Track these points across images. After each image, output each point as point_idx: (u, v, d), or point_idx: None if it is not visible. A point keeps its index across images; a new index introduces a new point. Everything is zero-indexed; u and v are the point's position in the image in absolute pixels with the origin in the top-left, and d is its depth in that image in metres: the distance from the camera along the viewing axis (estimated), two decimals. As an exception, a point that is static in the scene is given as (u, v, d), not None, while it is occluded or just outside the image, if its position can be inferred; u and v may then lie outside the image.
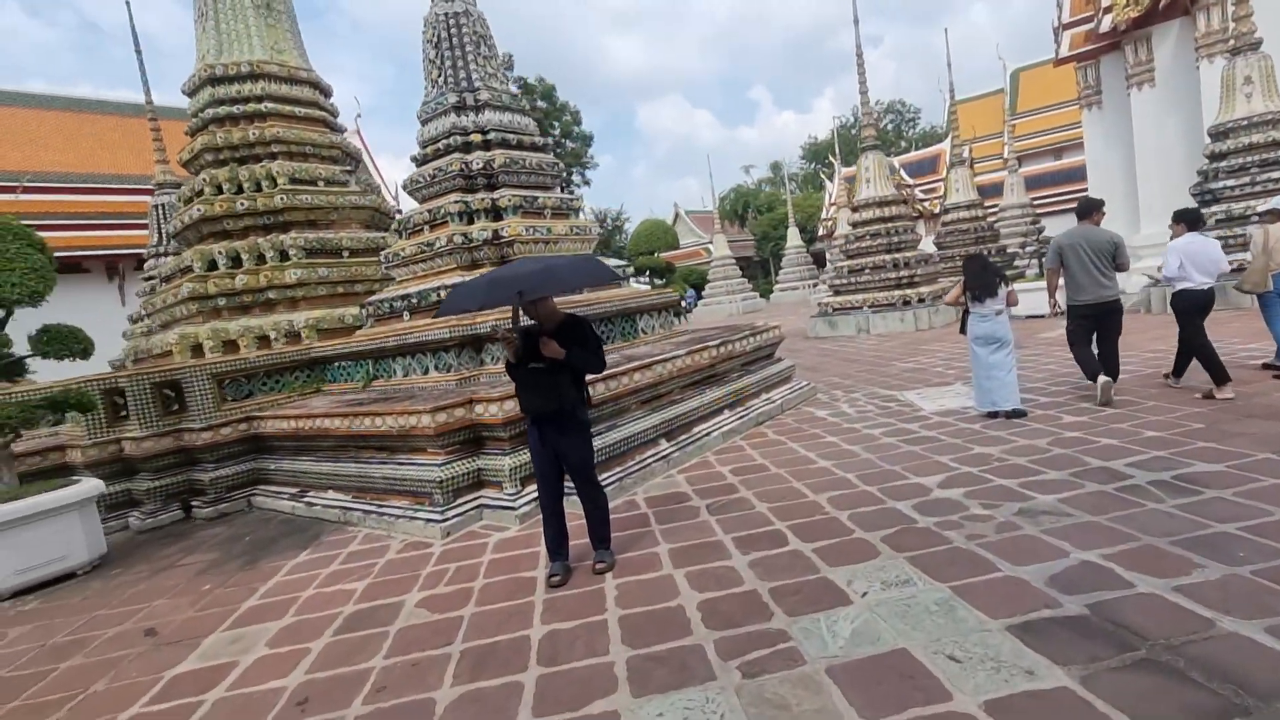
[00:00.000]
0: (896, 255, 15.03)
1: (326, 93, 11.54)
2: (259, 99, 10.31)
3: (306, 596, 4.13)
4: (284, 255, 9.78)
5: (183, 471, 6.84)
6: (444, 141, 7.45)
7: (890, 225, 15.30)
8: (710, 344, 6.93)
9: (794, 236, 38.92)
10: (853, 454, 5.50)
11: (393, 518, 5.25)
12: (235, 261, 9.76)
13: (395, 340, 6.75)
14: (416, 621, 3.54)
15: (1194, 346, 5.84)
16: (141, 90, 14.06)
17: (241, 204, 9.80)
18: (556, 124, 33.43)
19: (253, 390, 7.36)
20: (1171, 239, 6.11)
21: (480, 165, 7.24)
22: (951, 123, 21.83)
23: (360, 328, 8.50)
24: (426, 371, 6.66)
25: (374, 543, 5.04)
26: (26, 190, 19.71)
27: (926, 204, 34.28)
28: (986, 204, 21.81)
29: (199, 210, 9.81)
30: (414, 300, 7.00)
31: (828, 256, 34.22)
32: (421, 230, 7.53)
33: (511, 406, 5.17)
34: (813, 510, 4.34)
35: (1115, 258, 5.87)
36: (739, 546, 3.90)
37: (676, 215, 55.75)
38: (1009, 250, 20.09)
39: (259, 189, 10.03)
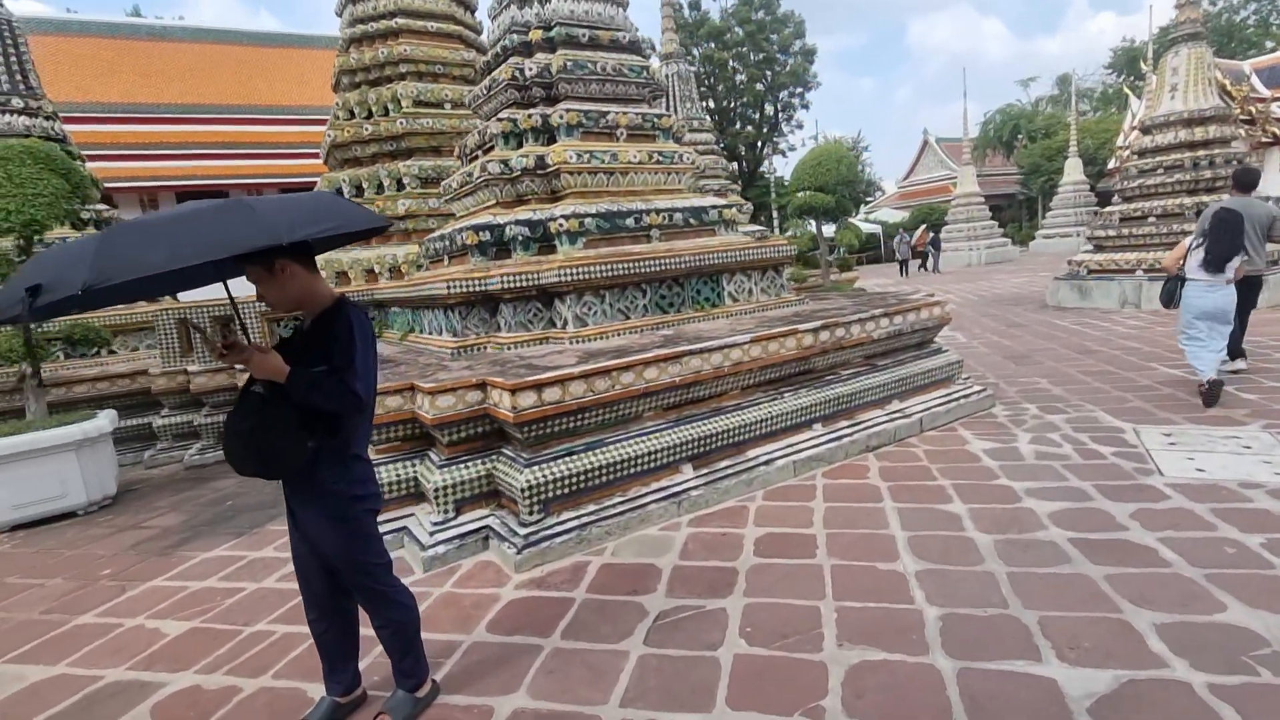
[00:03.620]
0: (1205, 198, 10.32)
1: (469, 6, 10.67)
2: (391, 15, 9.72)
3: (118, 633, 3.25)
4: (400, 184, 9.30)
5: (234, 410, 6.64)
6: (502, 43, 5.96)
7: (1202, 155, 10.50)
8: (805, 327, 4.74)
9: (1074, 169, 30.92)
10: (971, 555, 3.16)
11: (323, 519, 4.24)
12: (359, 190, 9.53)
13: (409, 291, 5.68)
14: (114, 742, 2.41)
15: None
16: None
17: (367, 129, 9.42)
18: (774, 36, 29.57)
19: (308, 331, 6.88)
20: None
21: (534, 71, 5.65)
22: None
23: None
24: (440, 332, 5.49)
25: (285, 550, 4.08)
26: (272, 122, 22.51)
27: (1289, 125, 24.65)
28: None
29: (330, 136, 9.68)
30: (445, 243, 5.81)
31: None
32: (476, 155, 6.25)
33: (445, 403, 3.76)
34: (801, 696, 2.31)
35: (1271, 230, 5.80)
36: (609, 753, 2.11)
37: (925, 143, 48.16)
38: None
39: (386, 113, 9.58)
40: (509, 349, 4.90)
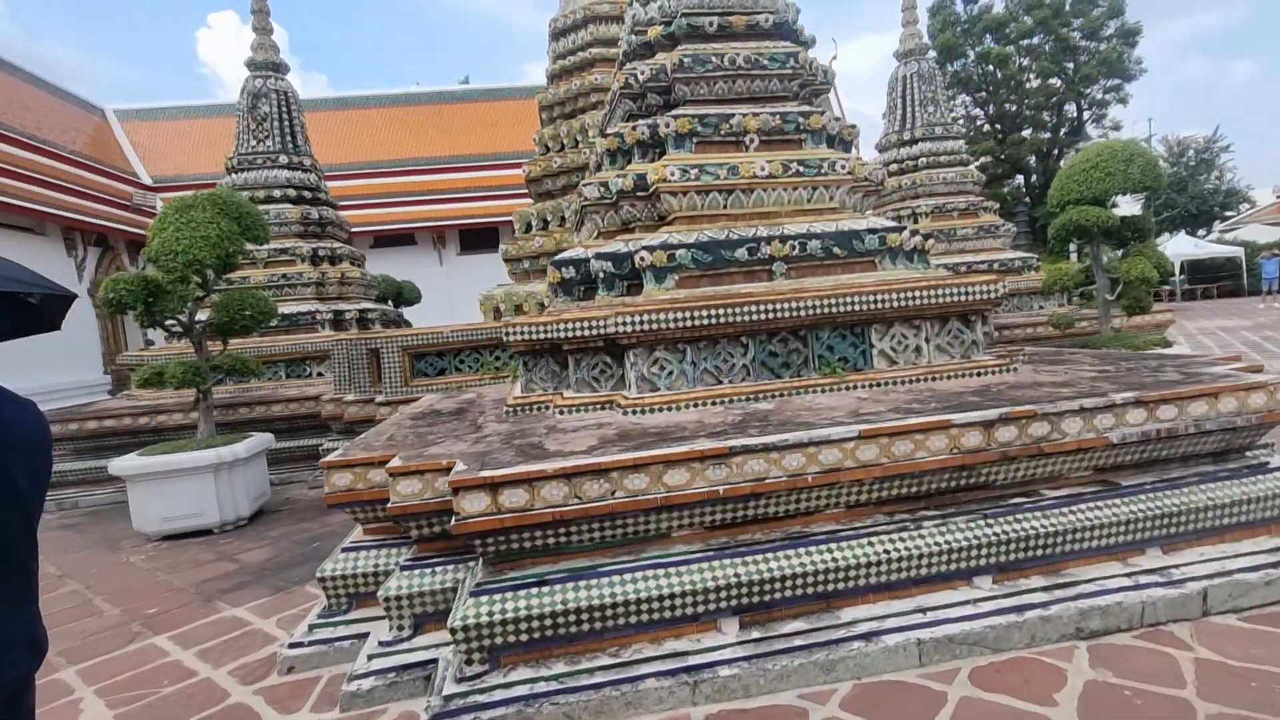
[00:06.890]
0: None
1: (670, 26, 10.13)
2: (587, 45, 9.62)
3: (46, 707, 3.02)
4: (579, 216, 9.05)
5: (377, 442, 6.77)
6: (623, 49, 5.14)
7: None
8: (965, 417, 2.97)
9: None
10: None
11: (328, 596, 3.74)
12: (545, 223, 9.52)
13: (506, 334, 5.07)
14: None
15: None
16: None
17: (556, 162, 9.39)
18: (1077, 21, 23.78)
19: (447, 367, 6.78)
20: None
21: (647, 75, 4.69)
22: None
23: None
24: (516, 380, 4.78)
25: (288, 624, 3.65)
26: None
27: None
28: None
29: (525, 172, 9.85)
30: (558, 276, 5.11)
31: None
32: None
33: (409, 489, 2.96)
34: None
35: None
36: None
37: (1326, 135, 35.65)
38: None
39: (575, 145, 9.45)
40: (564, 412, 3.97)
